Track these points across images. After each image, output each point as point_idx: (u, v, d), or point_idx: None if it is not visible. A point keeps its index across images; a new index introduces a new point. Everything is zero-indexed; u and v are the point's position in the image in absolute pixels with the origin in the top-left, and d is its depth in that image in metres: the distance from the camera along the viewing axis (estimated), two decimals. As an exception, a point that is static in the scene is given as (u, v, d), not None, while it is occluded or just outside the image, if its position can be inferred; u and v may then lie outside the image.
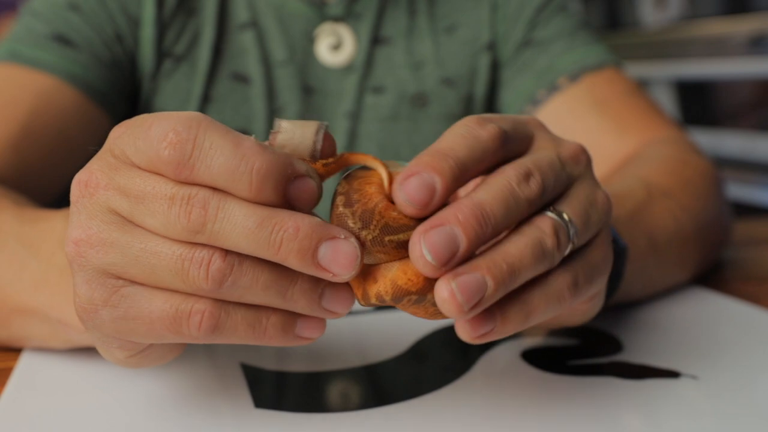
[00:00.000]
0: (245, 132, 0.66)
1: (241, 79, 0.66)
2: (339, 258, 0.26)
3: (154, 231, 0.27)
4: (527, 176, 0.30)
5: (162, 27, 0.64)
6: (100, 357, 0.39)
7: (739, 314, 0.47)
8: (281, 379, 0.38)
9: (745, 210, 1.64)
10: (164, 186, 0.26)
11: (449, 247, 0.27)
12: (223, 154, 0.26)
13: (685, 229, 0.51)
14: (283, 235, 0.26)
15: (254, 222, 0.26)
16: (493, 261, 0.28)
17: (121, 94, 0.63)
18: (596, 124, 0.65)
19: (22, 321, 0.38)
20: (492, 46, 0.71)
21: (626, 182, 0.52)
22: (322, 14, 0.68)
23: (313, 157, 0.29)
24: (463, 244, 0.27)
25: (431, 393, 0.35)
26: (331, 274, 0.27)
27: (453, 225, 0.27)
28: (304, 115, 0.67)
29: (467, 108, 0.72)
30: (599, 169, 0.64)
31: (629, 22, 2.13)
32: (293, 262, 0.26)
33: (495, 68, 0.72)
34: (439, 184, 0.28)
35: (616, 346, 0.42)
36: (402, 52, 0.70)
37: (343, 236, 0.27)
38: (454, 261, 0.27)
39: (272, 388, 0.37)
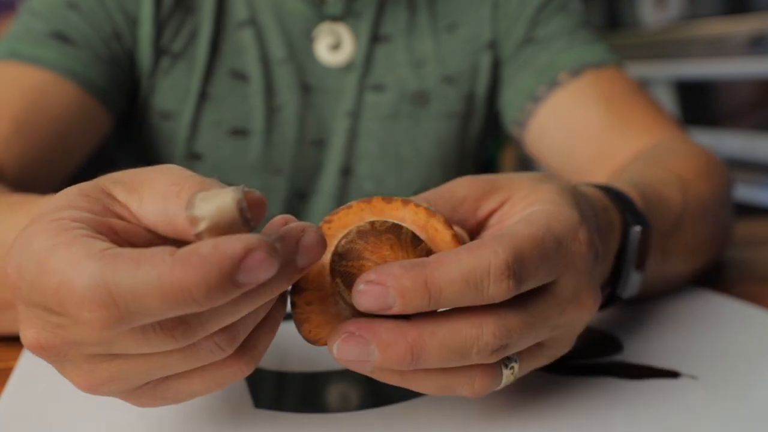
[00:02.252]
0: (244, 131, 0.66)
1: (240, 76, 0.66)
2: (256, 269, 0.23)
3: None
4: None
5: (160, 25, 0.64)
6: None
7: (740, 314, 0.47)
8: (281, 379, 0.38)
9: (746, 210, 1.65)
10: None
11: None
12: (151, 296, 0.22)
13: (710, 235, 0.52)
14: (195, 294, 0.22)
15: (163, 293, 0.22)
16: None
17: (120, 90, 0.63)
18: (599, 120, 0.65)
19: (12, 314, 0.38)
20: (493, 45, 0.71)
21: (663, 179, 0.50)
22: (321, 13, 0.68)
23: (248, 227, 0.25)
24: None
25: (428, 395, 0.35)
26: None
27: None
28: (304, 113, 0.67)
29: (468, 106, 0.72)
30: (602, 168, 0.64)
31: (629, 22, 2.13)
32: (220, 302, 0.23)
33: (496, 66, 0.72)
34: (398, 308, 0.27)
35: (616, 346, 0.42)
36: (402, 49, 0.70)
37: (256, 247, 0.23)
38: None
39: (272, 388, 0.37)
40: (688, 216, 0.49)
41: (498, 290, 0.27)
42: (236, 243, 0.22)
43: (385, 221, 0.30)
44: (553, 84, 0.67)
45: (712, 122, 1.90)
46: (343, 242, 0.29)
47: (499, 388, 0.30)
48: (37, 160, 0.56)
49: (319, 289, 0.29)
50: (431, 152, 0.71)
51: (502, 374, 0.30)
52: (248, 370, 0.28)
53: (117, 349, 0.25)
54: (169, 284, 0.22)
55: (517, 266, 0.28)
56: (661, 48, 1.89)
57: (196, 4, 0.66)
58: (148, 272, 0.22)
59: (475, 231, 0.34)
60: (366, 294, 0.27)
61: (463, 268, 0.27)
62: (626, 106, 0.65)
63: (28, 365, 0.39)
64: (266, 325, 0.28)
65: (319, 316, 0.29)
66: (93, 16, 0.61)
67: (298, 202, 0.70)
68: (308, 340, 0.30)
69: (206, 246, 0.22)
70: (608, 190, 0.41)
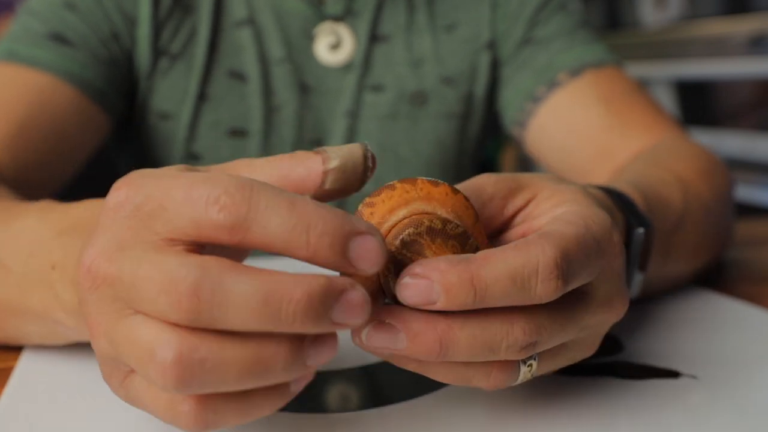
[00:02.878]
0: (243, 131, 0.66)
1: (238, 76, 0.66)
2: (352, 310, 0.25)
3: (155, 317, 0.25)
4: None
5: (158, 25, 0.64)
6: (98, 357, 0.39)
7: (739, 314, 0.47)
8: (280, 379, 0.38)
9: (746, 210, 1.65)
10: (156, 272, 0.24)
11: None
12: (279, 215, 0.24)
13: (711, 234, 0.52)
14: (294, 307, 0.23)
15: (258, 300, 0.23)
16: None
17: (119, 92, 0.63)
18: (599, 120, 0.65)
19: (16, 321, 0.38)
20: (492, 45, 0.71)
21: (664, 180, 0.50)
22: (320, 12, 0.68)
23: (365, 176, 0.29)
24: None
25: (431, 393, 0.35)
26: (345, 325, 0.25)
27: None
28: (302, 113, 0.67)
29: (467, 106, 0.72)
30: (602, 167, 0.64)
31: (629, 22, 2.13)
32: (309, 330, 0.24)
33: (495, 67, 0.72)
34: (441, 303, 0.26)
35: (617, 346, 0.42)
36: (401, 49, 0.70)
37: (349, 286, 0.25)
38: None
39: (271, 388, 0.37)
40: (689, 217, 0.49)
41: (545, 290, 0.27)
42: (360, 221, 0.25)
43: (458, 226, 0.29)
44: (552, 84, 0.67)
45: (712, 122, 1.90)
46: (411, 231, 0.29)
47: (514, 384, 0.30)
48: (35, 162, 0.56)
49: (365, 284, 0.29)
50: (430, 152, 0.71)
51: (519, 371, 0.30)
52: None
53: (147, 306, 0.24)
54: (298, 212, 0.24)
55: (565, 265, 0.28)
56: (661, 48, 1.89)
57: (195, 4, 0.66)
58: (288, 197, 0.24)
59: (500, 229, 0.34)
60: (410, 287, 0.27)
61: (510, 265, 0.27)
62: (626, 106, 0.65)
63: (28, 365, 0.39)
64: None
65: None
66: (91, 16, 0.61)
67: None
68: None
69: (339, 210, 0.25)
70: (610, 192, 0.41)
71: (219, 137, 0.66)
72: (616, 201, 0.40)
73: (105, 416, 0.33)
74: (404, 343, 0.27)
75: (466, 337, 0.27)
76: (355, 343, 0.28)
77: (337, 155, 0.29)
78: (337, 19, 0.68)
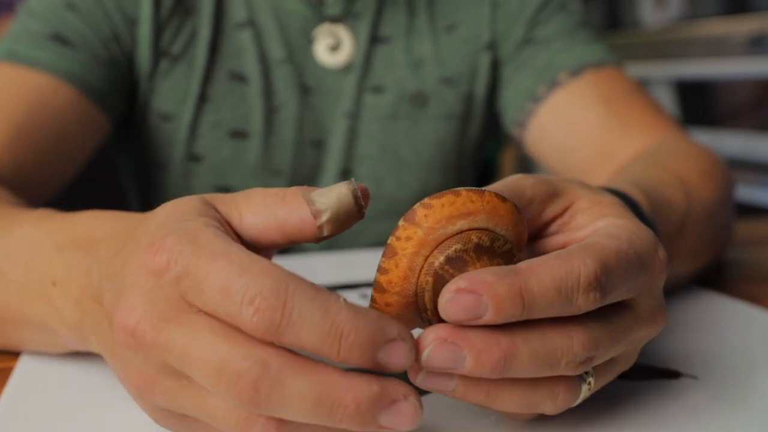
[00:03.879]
0: (243, 132, 0.66)
1: (239, 78, 0.66)
2: (401, 419, 0.25)
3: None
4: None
5: (159, 26, 0.64)
6: (100, 357, 0.39)
7: (740, 314, 0.47)
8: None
9: (746, 210, 1.65)
10: (212, 354, 0.25)
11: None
12: (313, 322, 0.24)
13: (712, 235, 0.52)
14: (343, 411, 0.24)
15: (311, 401, 0.24)
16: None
17: (119, 93, 0.63)
18: (599, 120, 0.65)
19: (15, 328, 0.38)
20: (492, 46, 0.71)
21: (665, 180, 0.50)
22: (320, 14, 0.68)
23: (361, 214, 0.29)
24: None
25: (431, 393, 0.35)
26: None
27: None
28: (303, 114, 0.67)
29: (467, 107, 0.72)
30: (602, 167, 0.64)
31: (629, 22, 2.13)
32: (358, 430, 0.25)
33: (495, 67, 0.72)
34: (489, 317, 0.26)
35: (616, 346, 0.42)
36: (401, 51, 0.70)
37: (402, 397, 0.25)
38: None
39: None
40: (691, 218, 0.49)
41: (585, 301, 0.27)
42: (393, 327, 0.25)
43: (506, 242, 0.29)
44: (552, 84, 0.67)
45: (712, 122, 1.90)
46: (458, 248, 0.28)
47: (575, 404, 0.30)
48: (36, 163, 0.56)
49: (402, 295, 0.28)
50: (430, 153, 0.71)
51: (581, 389, 0.29)
52: None
53: (199, 376, 0.26)
54: (331, 320, 0.24)
55: (604, 278, 0.28)
56: (661, 48, 1.89)
57: (195, 6, 0.66)
58: (322, 303, 0.24)
59: (535, 234, 0.34)
60: (455, 303, 0.26)
61: (555, 276, 0.27)
62: (626, 106, 0.65)
63: (28, 365, 0.39)
64: None
65: (395, 318, 0.28)
66: (91, 17, 0.61)
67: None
68: None
69: (372, 312, 0.25)
70: (615, 194, 0.41)
71: (220, 138, 0.66)
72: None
73: (105, 416, 0.33)
74: (467, 362, 0.26)
75: (529, 352, 0.27)
76: (413, 380, 0.28)
77: (327, 205, 0.29)
78: (337, 20, 0.68)
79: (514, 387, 0.28)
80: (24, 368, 0.38)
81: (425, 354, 0.27)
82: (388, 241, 0.28)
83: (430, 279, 0.28)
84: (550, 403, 0.29)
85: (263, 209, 0.30)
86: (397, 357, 0.25)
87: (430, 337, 0.27)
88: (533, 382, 0.28)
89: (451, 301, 0.26)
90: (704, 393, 0.36)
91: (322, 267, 0.60)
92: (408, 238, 0.28)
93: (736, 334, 0.44)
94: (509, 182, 0.32)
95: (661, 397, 0.35)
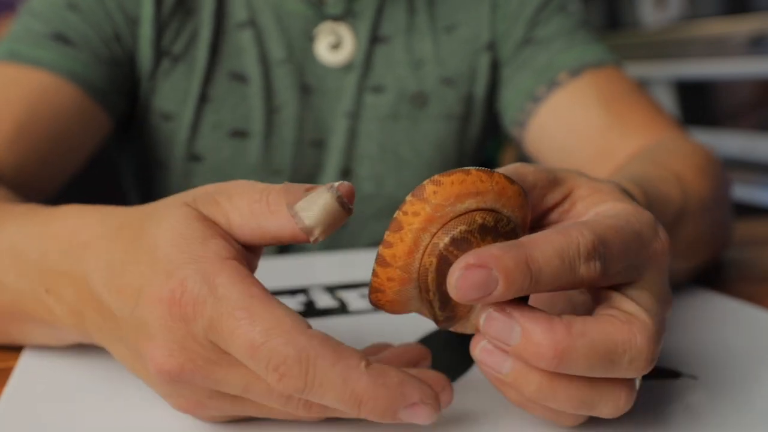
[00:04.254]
0: (244, 132, 0.66)
1: (239, 78, 0.66)
2: (417, 418, 0.27)
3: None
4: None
5: (160, 26, 0.64)
6: (100, 357, 0.39)
7: (739, 314, 0.47)
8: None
9: (746, 210, 1.65)
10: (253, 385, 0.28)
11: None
12: (333, 390, 0.26)
13: (709, 232, 0.52)
14: (364, 408, 0.27)
15: (341, 399, 0.26)
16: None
17: (120, 92, 0.63)
18: (599, 120, 0.65)
19: (17, 325, 0.38)
20: (492, 46, 0.71)
21: (662, 176, 0.50)
22: (320, 13, 0.68)
23: (349, 213, 0.29)
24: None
25: (462, 377, 0.35)
26: None
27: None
28: (303, 113, 0.67)
29: (467, 107, 0.72)
30: (602, 167, 0.64)
31: (629, 22, 2.13)
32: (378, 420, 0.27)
33: (495, 67, 0.72)
34: (499, 291, 0.26)
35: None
36: (401, 50, 0.70)
37: (420, 401, 0.27)
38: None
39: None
40: (688, 213, 0.49)
41: (587, 270, 0.27)
42: (416, 390, 0.27)
43: (509, 222, 0.29)
44: (552, 84, 0.67)
45: (712, 122, 1.90)
46: (463, 229, 0.28)
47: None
48: (37, 161, 0.56)
49: (405, 270, 0.28)
50: (430, 153, 0.71)
51: (636, 391, 0.29)
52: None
53: (249, 395, 0.28)
54: (351, 389, 0.26)
55: (602, 248, 0.28)
56: (661, 48, 1.89)
57: (196, 7, 0.66)
58: (342, 371, 0.26)
59: (535, 222, 0.34)
60: (465, 279, 0.26)
61: (557, 246, 0.27)
62: (625, 106, 0.65)
63: (28, 365, 0.39)
64: None
65: (396, 294, 0.29)
66: (93, 16, 0.61)
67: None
68: (372, 304, 0.29)
69: (394, 377, 0.27)
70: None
71: (220, 138, 0.66)
72: None
73: (105, 416, 0.33)
74: (517, 338, 0.27)
75: (584, 345, 0.26)
76: (472, 351, 0.28)
77: (315, 220, 0.28)
78: (338, 19, 0.68)
79: (570, 381, 0.28)
80: (24, 368, 0.38)
81: (483, 317, 0.28)
82: (395, 215, 0.28)
83: (434, 260, 0.28)
84: (612, 404, 0.28)
85: (250, 218, 0.29)
86: (418, 418, 0.27)
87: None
88: (593, 381, 0.28)
89: (461, 278, 0.26)
90: (704, 393, 0.36)
91: (322, 267, 0.60)
92: (415, 214, 0.28)
93: (736, 333, 0.44)
94: (510, 169, 0.32)
95: (661, 397, 0.35)
